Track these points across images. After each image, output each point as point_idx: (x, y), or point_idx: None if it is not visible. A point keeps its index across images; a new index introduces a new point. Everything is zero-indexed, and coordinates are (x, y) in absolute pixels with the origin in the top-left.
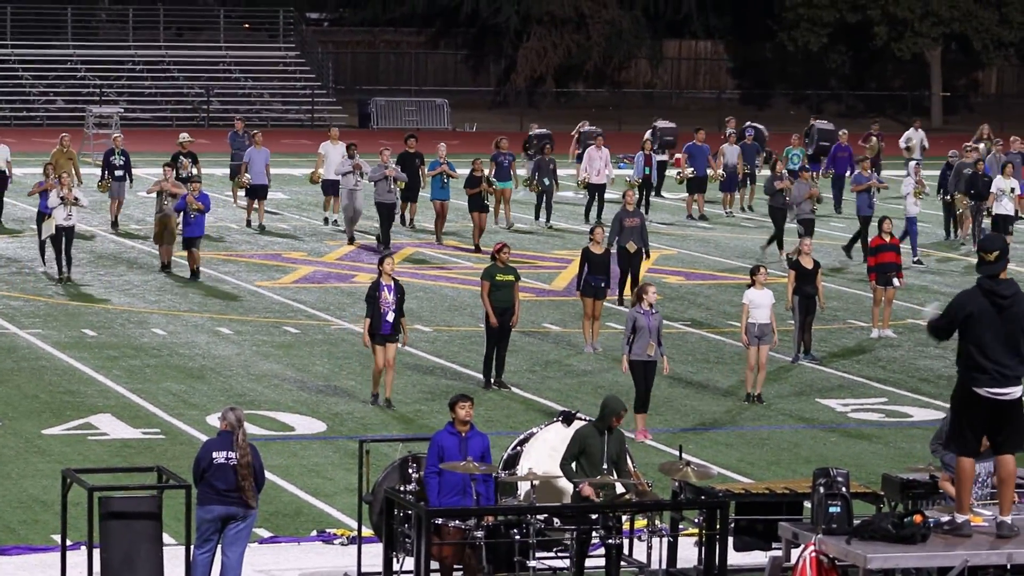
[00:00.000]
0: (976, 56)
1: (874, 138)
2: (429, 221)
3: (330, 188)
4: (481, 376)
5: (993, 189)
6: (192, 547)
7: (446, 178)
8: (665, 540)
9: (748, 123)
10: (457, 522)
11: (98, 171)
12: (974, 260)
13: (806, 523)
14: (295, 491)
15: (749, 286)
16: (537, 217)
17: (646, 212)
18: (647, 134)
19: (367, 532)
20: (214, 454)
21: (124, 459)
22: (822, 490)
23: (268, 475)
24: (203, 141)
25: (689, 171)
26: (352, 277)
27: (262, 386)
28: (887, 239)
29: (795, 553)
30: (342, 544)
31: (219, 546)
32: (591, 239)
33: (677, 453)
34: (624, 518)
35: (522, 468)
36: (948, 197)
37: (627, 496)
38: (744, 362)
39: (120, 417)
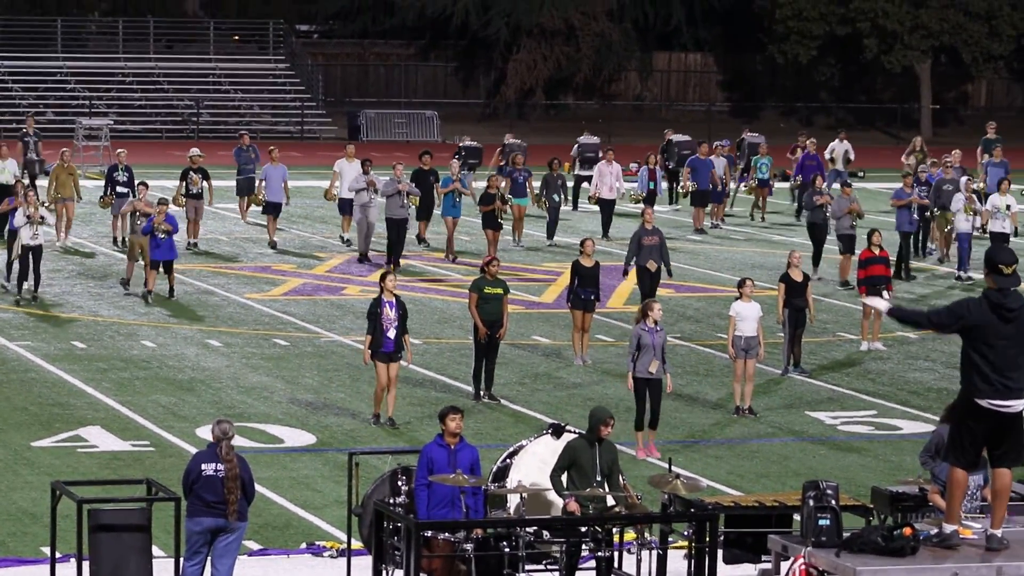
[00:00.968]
0: (966, 69)
1: (917, 150)
2: (442, 241)
3: (346, 207)
4: (471, 388)
5: (989, 206)
6: (182, 559)
7: (458, 196)
8: (655, 553)
9: (746, 133)
10: (446, 535)
11: (88, 183)
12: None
13: (795, 536)
14: (284, 503)
15: (736, 298)
16: (550, 236)
17: None
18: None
19: (356, 545)
20: (203, 466)
21: (113, 471)
22: (811, 503)
23: (258, 487)
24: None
25: (691, 185)
26: (341, 289)
27: (251, 398)
28: (876, 252)
29: (784, 566)
30: (331, 557)
31: (209, 559)
32: (581, 252)
33: (667, 466)
34: (614, 531)
35: (511, 481)
36: (928, 214)
37: (617, 508)
38: (733, 375)
39: (109, 429)
